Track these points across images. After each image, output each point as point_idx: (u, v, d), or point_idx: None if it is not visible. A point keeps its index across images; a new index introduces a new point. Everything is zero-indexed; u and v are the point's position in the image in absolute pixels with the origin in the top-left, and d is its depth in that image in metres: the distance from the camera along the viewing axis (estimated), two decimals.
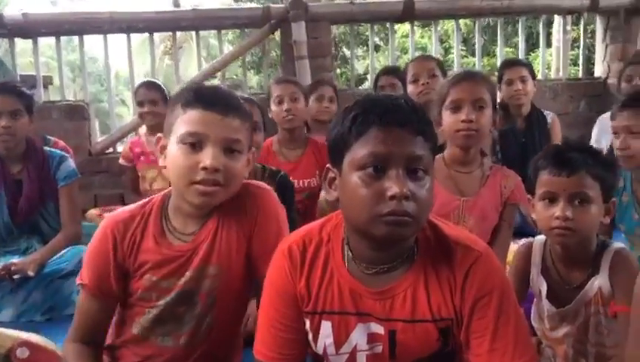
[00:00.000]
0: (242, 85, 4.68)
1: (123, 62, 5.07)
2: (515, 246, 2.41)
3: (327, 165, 1.08)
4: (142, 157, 3.32)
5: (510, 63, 3.27)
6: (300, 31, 3.83)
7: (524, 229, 2.50)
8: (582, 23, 4.40)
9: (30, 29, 3.84)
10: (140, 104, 3.13)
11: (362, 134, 0.98)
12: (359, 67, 10.30)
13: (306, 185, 2.63)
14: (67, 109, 3.93)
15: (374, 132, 0.97)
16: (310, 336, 1.10)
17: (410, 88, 2.67)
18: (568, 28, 4.78)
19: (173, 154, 1.24)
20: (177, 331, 1.31)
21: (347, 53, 9.17)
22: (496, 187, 1.85)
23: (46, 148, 2.55)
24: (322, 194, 2.00)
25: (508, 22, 4.83)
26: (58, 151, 2.54)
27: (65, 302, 2.27)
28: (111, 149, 4.08)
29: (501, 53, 4.31)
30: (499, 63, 4.11)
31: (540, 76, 4.36)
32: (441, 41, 8.67)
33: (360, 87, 4.23)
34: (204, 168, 1.20)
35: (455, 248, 1.04)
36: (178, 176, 1.24)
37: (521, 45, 4.29)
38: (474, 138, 1.78)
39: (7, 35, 3.90)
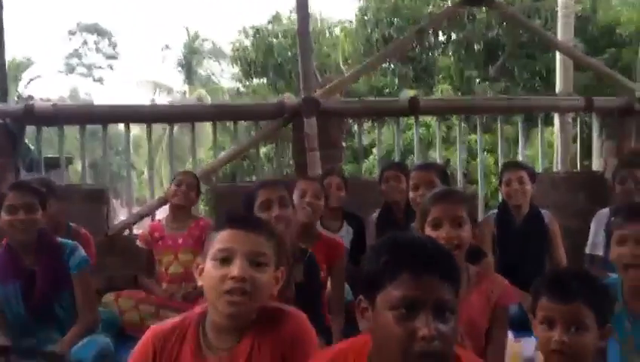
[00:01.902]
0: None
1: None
2: (518, 344, 2.51)
3: (360, 297, 1.20)
4: (160, 242, 3.47)
5: (510, 166, 3.46)
6: (311, 124, 4.07)
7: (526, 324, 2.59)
8: (578, 121, 4.63)
9: (58, 118, 4.09)
10: (179, 183, 3.44)
11: (395, 278, 1.12)
12: (365, 139, 10.61)
13: None
14: (87, 193, 4.11)
15: (406, 277, 1.11)
16: None
17: (411, 195, 2.85)
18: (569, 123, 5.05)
19: (207, 270, 1.39)
20: None
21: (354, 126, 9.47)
22: (484, 293, 1.94)
23: (58, 238, 2.63)
24: None
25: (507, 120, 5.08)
26: (70, 242, 2.62)
27: None
28: (127, 231, 4.22)
29: (502, 149, 4.51)
30: (499, 159, 4.35)
31: (540, 169, 4.56)
32: (445, 118, 8.98)
33: (370, 176, 4.39)
34: (233, 278, 1.34)
35: None
36: (210, 289, 1.38)
37: (521, 142, 4.51)
38: (456, 253, 1.88)
39: (36, 124, 4.15)
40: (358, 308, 1.21)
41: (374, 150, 7.79)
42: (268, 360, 1.40)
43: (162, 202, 3.89)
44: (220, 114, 4.30)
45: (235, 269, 1.35)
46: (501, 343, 1.98)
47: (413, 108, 4.20)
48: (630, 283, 2.04)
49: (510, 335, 2.50)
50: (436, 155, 4.47)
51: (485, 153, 7.87)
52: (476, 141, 5.55)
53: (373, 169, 7.39)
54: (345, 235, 3.48)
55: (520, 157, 4.48)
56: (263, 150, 10.85)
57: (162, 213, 3.84)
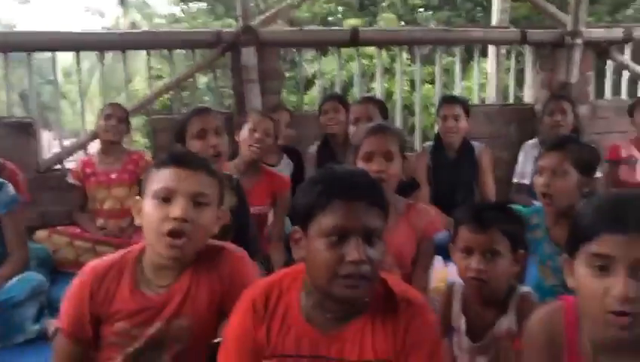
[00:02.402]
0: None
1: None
2: (445, 270, 2.66)
3: (295, 227, 1.24)
4: (92, 178, 3.41)
5: (446, 100, 3.54)
6: (249, 55, 3.96)
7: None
8: (513, 53, 4.71)
9: None
10: (107, 117, 3.35)
11: (326, 206, 1.16)
12: (308, 69, 10.46)
13: (257, 211, 2.77)
14: (14, 126, 3.91)
15: (337, 205, 1.16)
16: None
17: (351, 128, 2.88)
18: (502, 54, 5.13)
19: (147, 209, 1.38)
20: None
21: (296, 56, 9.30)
22: (411, 223, 2.04)
23: None
24: None
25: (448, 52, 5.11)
26: None
27: (16, 331, 2.32)
28: (59, 166, 4.08)
29: (440, 81, 4.56)
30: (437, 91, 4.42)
31: (476, 101, 4.67)
32: (388, 49, 8.93)
33: (312, 111, 4.37)
34: (174, 218, 1.34)
35: (399, 302, 1.24)
36: (150, 229, 1.37)
37: (458, 74, 4.57)
38: (384, 185, 1.96)
39: None
40: (292, 238, 1.25)
41: (316, 81, 7.74)
42: (206, 297, 1.43)
43: (94, 135, 3.76)
44: (152, 42, 4.10)
45: (176, 209, 1.35)
46: (426, 269, 2.09)
47: (354, 39, 4.15)
48: (548, 211, 2.18)
49: (440, 260, 2.66)
50: (378, 87, 4.47)
51: (427, 85, 8.00)
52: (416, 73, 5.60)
53: (317, 100, 7.31)
54: (284, 168, 3.49)
55: (458, 90, 4.56)
56: (204, 80, 10.53)
57: (96, 146, 3.73)
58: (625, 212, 1.04)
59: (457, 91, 4.52)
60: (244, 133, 2.78)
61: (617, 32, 4.51)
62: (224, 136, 2.29)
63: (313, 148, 3.63)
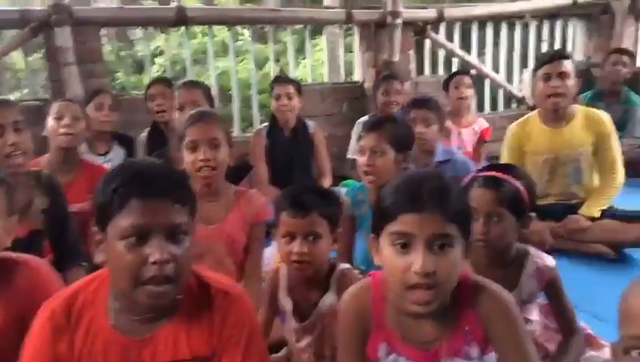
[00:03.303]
0: None
1: None
2: None
3: (94, 228, 1.14)
4: None
5: (279, 80, 3.56)
6: (64, 35, 3.62)
7: None
8: (342, 33, 4.88)
9: None
10: None
11: (124, 206, 1.07)
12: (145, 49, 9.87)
13: (77, 210, 2.56)
14: None
15: (135, 204, 1.07)
16: None
17: (177, 115, 2.76)
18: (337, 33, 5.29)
19: None
20: None
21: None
22: (242, 210, 2.05)
23: None
24: None
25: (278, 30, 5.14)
26: None
27: None
28: None
29: (273, 60, 4.58)
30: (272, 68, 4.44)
31: (309, 80, 4.78)
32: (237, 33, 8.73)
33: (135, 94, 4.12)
34: None
35: (214, 294, 1.20)
36: None
37: (291, 53, 4.62)
38: (213, 175, 1.97)
39: None
40: (92, 240, 1.16)
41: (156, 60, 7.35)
42: (1, 316, 1.29)
43: None
44: None
45: None
46: (258, 255, 2.11)
47: (181, 18, 3.98)
48: (371, 187, 2.29)
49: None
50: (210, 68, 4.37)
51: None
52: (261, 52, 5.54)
53: None
54: (115, 157, 3.28)
55: (291, 69, 4.62)
56: (29, 59, 9.37)
57: None
58: (419, 192, 1.12)
59: (293, 71, 4.58)
60: (50, 124, 2.56)
61: (432, 13, 4.87)
62: (25, 132, 2.02)
63: (144, 135, 3.45)
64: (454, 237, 1.12)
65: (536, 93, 2.88)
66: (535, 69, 2.87)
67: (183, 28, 4.21)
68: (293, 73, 4.66)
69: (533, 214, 1.67)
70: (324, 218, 1.58)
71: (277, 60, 8.29)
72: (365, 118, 4.13)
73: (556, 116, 2.86)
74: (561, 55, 2.85)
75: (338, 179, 3.69)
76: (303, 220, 1.56)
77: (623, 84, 4.30)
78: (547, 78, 2.77)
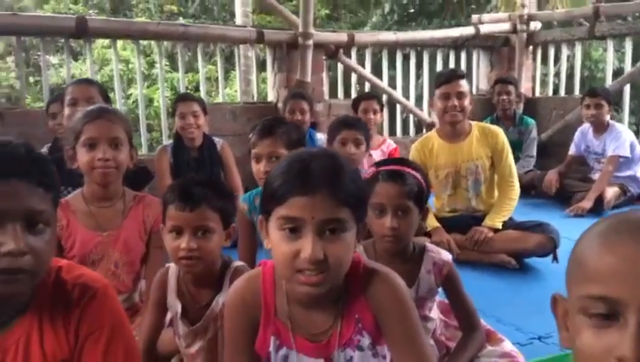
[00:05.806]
0: None
1: None
2: None
3: None
4: None
5: (183, 98, 3.48)
6: None
7: None
8: (254, 52, 4.86)
9: None
10: None
11: None
12: (56, 77, 9.40)
13: None
14: None
15: None
16: None
17: (67, 111, 2.57)
18: (250, 54, 5.26)
19: None
20: None
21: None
22: (140, 217, 1.91)
23: None
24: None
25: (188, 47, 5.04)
26: None
27: None
28: None
29: (182, 78, 4.47)
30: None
31: (223, 100, 4.70)
32: (146, 55, 8.53)
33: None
34: None
35: (71, 289, 1.05)
36: None
37: (202, 73, 4.52)
38: (112, 174, 1.83)
39: None
40: None
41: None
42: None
43: None
44: None
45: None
46: (157, 263, 1.95)
47: (82, 29, 3.78)
48: None
49: None
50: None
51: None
52: (178, 80, 5.35)
53: None
54: None
55: (202, 88, 4.52)
56: None
57: None
58: (309, 174, 1.05)
59: (201, 89, 4.47)
60: None
61: (343, 36, 4.96)
62: None
63: (44, 151, 3.19)
64: (347, 222, 1.06)
65: (435, 110, 3.10)
66: (435, 88, 3.02)
67: (95, 55, 4.01)
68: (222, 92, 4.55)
69: (430, 206, 1.66)
70: (216, 211, 1.48)
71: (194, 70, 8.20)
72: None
73: (454, 132, 3.04)
74: (458, 75, 3.00)
75: None
76: (191, 214, 1.44)
77: (519, 108, 4.60)
78: (446, 96, 2.96)
